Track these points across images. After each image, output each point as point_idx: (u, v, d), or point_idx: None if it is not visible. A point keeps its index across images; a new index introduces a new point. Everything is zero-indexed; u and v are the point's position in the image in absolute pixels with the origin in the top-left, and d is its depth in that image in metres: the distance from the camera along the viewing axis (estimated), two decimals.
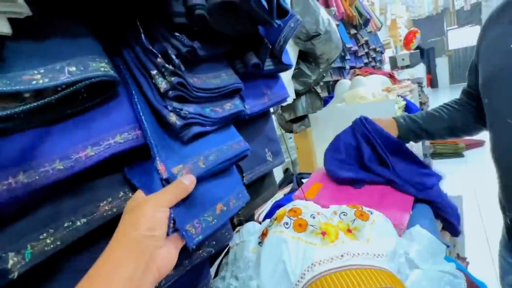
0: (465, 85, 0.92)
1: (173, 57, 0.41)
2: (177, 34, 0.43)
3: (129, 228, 0.33)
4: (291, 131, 1.63)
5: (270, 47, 0.59)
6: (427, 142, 2.63)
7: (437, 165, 3.26)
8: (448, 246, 0.64)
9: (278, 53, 0.65)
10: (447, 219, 0.75)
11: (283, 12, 0.52)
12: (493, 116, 0.74)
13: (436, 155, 3.53)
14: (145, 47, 0.40)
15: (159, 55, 0.40)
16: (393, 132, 0.86)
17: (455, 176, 2.91)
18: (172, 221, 0.37)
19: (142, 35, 0.40)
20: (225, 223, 0.48)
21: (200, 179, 0.43)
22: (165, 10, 0.40)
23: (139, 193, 0.38)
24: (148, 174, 0.41)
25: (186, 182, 0.39)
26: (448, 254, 0.67)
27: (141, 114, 0.40)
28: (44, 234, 0.32)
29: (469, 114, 0.88)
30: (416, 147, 1.79)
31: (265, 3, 0.48)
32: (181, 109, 0.42)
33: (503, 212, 0.80)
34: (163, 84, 0.41)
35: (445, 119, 0.90)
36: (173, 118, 0.41)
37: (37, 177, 0.31)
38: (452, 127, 0.90)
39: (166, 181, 0.40)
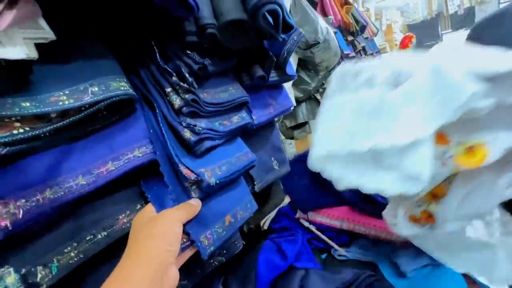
0: None
1: (187, 75, 0.43)
2: (188, 52, 0.45)
3: (148, 241, 0.34)
4: (292, 138, 1.65)
5: (275, 59, 0.61)
6: None
7: None
8: None
9: (282, 65, 0.67)
10: None
11: (288, 27, 0.54)
12: None
13: None
14: (160, 66, 0.42)
15: (174, 74, 0.42)
16: None
17: None
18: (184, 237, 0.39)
19: (157, 54, 0.42)
20: (234, 233, 0.50)
21: (211, 191, 0.44)
22: (178, 30, 0.42)
23: (150, 207, 0.40)
24: (161, 188, 0.43)
25: (194, 203, 0.41)
26: None
27: (161, 126, 0.42)
28: (68, 248, 0.33)
29: None
30: None
31: (271, 20, 0.50)
32: (195, 125, 0.44)
33: None
34: (177, 101, 0.43)
35: None
36: (187, 134, 0.43)
37: (62, 193, 0.32)
38: None
39: (194, 184, 0.42)
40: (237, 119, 0.56)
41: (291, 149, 2.21)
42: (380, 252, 0.73)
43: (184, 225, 0.39)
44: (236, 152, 0.53)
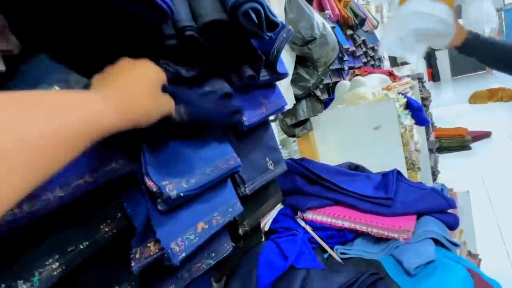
0: None
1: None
2: (162, 61, 0.44)
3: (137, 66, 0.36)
4: (293, 136, 1.63)
5: (264, 58, 0.60)
6: (432, 137, 2.60)
7: (445, 159, 3.21)
8: (458, 245, 0.64)
9: (273, 63, 0.65)
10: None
11: (272, 25, 0.53)
12: None
13: (442, 149, 3.49)
14: None
15: None
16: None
17: (462, 171, 2.87)
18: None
19: None
20: (216, 239, 0.50)
21: (176, 204, 0.44)
22: (156, 34, 0.41)
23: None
24: (139, 198, 0.42)
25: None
26: (459, 253, 0.66)
27: None
28: (50, 260, 0.33)
29: None
30: (421, 143, 1.77)
31: (255, 18, 0.49)
32: None
33: None
34: None
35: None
36: None
37: (40, 206, 0.32)
38: None
39: (160, 195, 0.41)
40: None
41: (295, 146, 2.19)
42: (383, 249, 0.72)
43: (155, 232, 0.39)
44: (218, 159, 0.51)
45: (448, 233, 0.68)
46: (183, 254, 0.41)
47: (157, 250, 0.41)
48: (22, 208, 0.30)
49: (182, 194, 0.41)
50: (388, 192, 0.73)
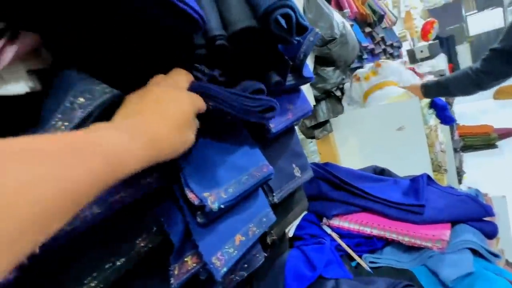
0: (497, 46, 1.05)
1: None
2: (196, 65, 0.44)
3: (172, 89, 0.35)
4: (313, 137, 1.61)
5: (291, 63, 0.58)
6: (456, 136, 2.51)
7: (469, 158, 3.09)
8: (498, 256, 0.60)
9: (299, 67, 0.64)
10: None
11: (302, 29, 0.51)
12: None
13: (466, 148, 3.36)
14: None
15: None
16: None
17: (489, 170, 2.74)
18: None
19: None
20: (249, 250, 0.49)
21: (215, 216, 0.43)
22: (185, 44, 0.41)
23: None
24: (175, 211, 0.42)
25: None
26: (498, 264, 0.62)
27: None
28: (88, 278, 0.32)
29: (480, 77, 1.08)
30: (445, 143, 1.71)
31: (284, 23, 0.47)
32: None
33: None
34: None
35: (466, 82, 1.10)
36: None
37: (78, 224, 0.32)
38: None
39: (200, 208, 0.40)
40: None
41: (312, 147, 2.15)
42: (415, 258, 0.69)
43: (192, 246, 0.39)
44: (251, 167, 0.50)
45: (486, 243, 0.64)
46: (224, 269, 0.40)
47: (194, 265, 0.40)
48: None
49: (222, 206, 0.40)
50: (419, 199, 0.69)
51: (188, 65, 0.43)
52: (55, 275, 0.31)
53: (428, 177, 0.82)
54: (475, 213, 0.68)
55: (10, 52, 0.24)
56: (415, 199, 0.72)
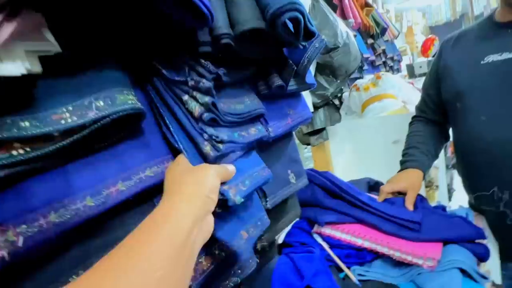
0: (421, 104, 1.10)
1: (203, 80, 0.40)
2: (202, 61, 0.43)
3: (190, 186, 0.36)
4: (308, 144, 1.60)
5: (295, 68, 0.58)
6: (449, 153, 2.53)
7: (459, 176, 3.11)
8: (487, 278, 0.60)
9: (302, 73, 0.63)
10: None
11: (309, 34, 0.51)
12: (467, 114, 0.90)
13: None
14: (171, 80, 0.39)
15: (189, 78, 0.40)
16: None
17: None
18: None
19: (164, 71, 0.39)
20: (248, 250, 0.48)
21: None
22: (190, 40, 0.40)
23: (183, 159, 0.41)
24: None
25: (229, 168, 0.42)
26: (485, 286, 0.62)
27: (177, 141, 0.40)
28: (74, 277, 0.31)
29: (437, 125, 1.06)
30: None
31: (291, 27, 0.46)
32: (217, 136, 0.42)
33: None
34: (196, 108, 0.40)
35: (437, 137, 1.06)
36: (207, 148, 0.41)
37: (69, 216, 0.30)
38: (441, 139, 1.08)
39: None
40: (254, 131, 0.53)
41: (306, 153, 2.15)
42: (404, 274, 0.68)
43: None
44: (251, 169, 0.50)
45: (476, 264, 0.64)
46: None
47: (209, 264, 0.40)
48: (49, 219, 0.29)
49: (243, 199, 0.41)
50: (415, 216, 0.69)
51: (193, 62, 0.42)
52: (39, 268, 0.29)
53: (421, 196, 0.83)
54: (467, 235, 0.68)
55: (8, 28, 0.22)
56: (411, 215, 0.71)
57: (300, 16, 0.42)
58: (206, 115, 0.41)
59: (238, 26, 0.41)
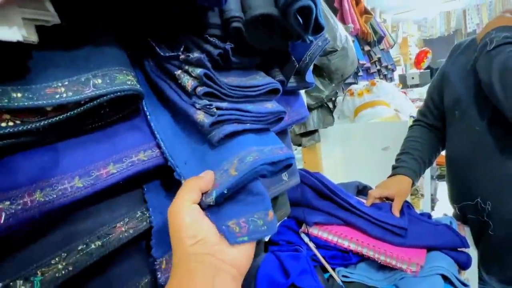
0: (423, 108, 1.11)
1: (194, 53, 0.37)
2: (208, 37, 0.40)
3: (176, 246, 0.30)
4: (299, 145, 1.61)
5: (297, 65, 0.57)
6: (434, 164, 2.59)
7: (444, 187, 3.19)
8: (467, 286, 0.61)
9: (303, 70, 0.62)
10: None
11: (318, 28, 0.50)
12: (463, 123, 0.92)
13: (441, 176, 3.48)
14: (163, 57, 0.37)
15: (180, 52, 0.37)
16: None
17: None
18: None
19: (157, 48, 0.37)
20: None
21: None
22: (199, 22, 0.38)
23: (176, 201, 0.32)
24: (166, 196, 0.39)
25: (204, 175, 0.35)
26: None
27: (153, 128, 0.37)
28: (56, 259, 0.29)
29: (437, 131, 1.06)
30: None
31: (300, 19, 0.45)
32: (211, 105, 0.37)
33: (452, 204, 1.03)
34: (189, 82, 0.36)
35: (434, 144, 1.05)
36: (200, 116, 0.36)
37: (55, 196, 0.29)
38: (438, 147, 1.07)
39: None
40: (272, 105, 0.47)
41: (297, 154, 2.15)
42: (387, 278, 0.69)
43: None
44: (270, 144, 0.43)
45: (457, 271, 0.65)
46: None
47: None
48: (34, 197, 0.27)
49: (225, 192, 0.34)
50: (402, 222, 0.70)
51: (197, 38, 0.40)
52: (19, 249, 0.28)
53: (408, 203, 0.84)
54: (451, 243, 0.69)
55: None
56: (398, 221, 0.72)
57: (313, 6, 0.41)
58: (200, 90, 0.37)
59: (250, 11, 0.39)
